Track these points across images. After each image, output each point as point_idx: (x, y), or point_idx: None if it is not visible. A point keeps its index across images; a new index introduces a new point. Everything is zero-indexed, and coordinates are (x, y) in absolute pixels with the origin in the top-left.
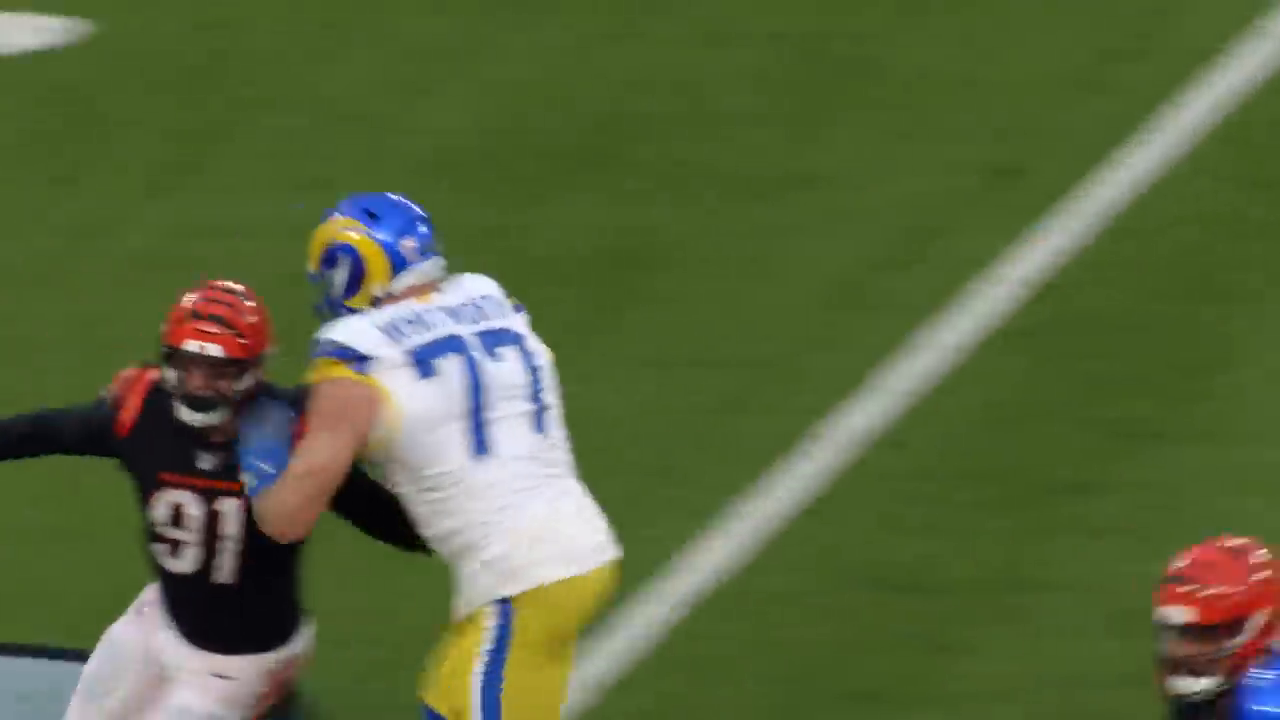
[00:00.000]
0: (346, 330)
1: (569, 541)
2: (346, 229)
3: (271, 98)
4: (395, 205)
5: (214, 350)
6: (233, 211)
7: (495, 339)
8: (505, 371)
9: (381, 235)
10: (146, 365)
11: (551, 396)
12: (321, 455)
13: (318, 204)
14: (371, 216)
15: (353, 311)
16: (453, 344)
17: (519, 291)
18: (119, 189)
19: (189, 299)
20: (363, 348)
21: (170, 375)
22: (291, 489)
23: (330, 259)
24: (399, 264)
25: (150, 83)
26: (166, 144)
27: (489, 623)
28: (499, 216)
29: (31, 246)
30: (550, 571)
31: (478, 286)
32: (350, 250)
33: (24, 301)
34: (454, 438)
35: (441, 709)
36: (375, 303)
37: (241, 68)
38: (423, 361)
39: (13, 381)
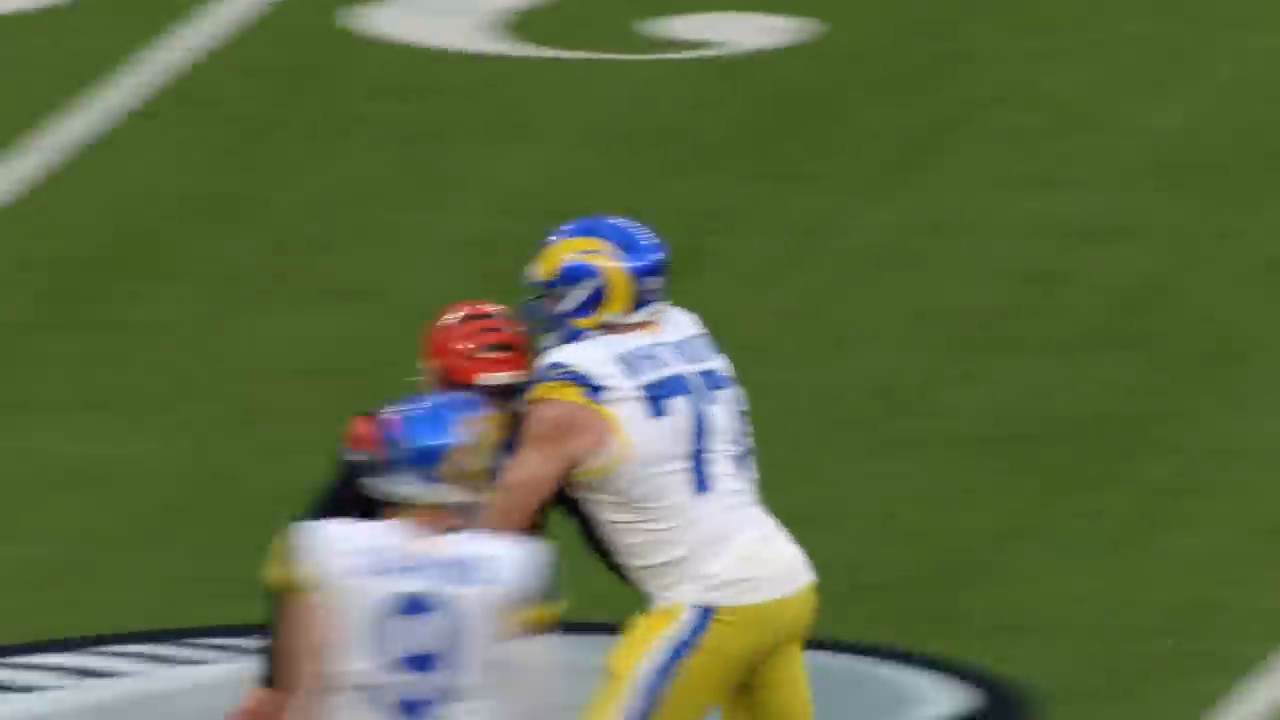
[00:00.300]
0: (583, 356)
1: (777, 564)
2: (598, 253)
3: (995, 97)
4: (647, 240)
5: (508, 378)
6: (957, 209)
7: (711, 381)
8: (720, 416)
9: (632, 268)
10: (369, 414)
11: (749, 440)
12: (527, 472)
13: (1049, 203)
14: (625, 247)
15: (576, 331)
16: (680, 384)
17: (1235, 293)
18: (845, 186)
19: (462, 328)
20: (600, 377)
21: None
22: (494, 502)
23: (572, 275)
24: (640, 300)
25: (876, 81)
26: (892, 141)
27: (685, 617)
28: (1217, 219)
29: (757, 244)
30: (759, 594)
31: (687, 322)
32: (596, 274)
33: (749, 298)
34: (677, 475)
35: (611, 665)
36: (602, 328)
37: (964, 66)
38: (655, 399)
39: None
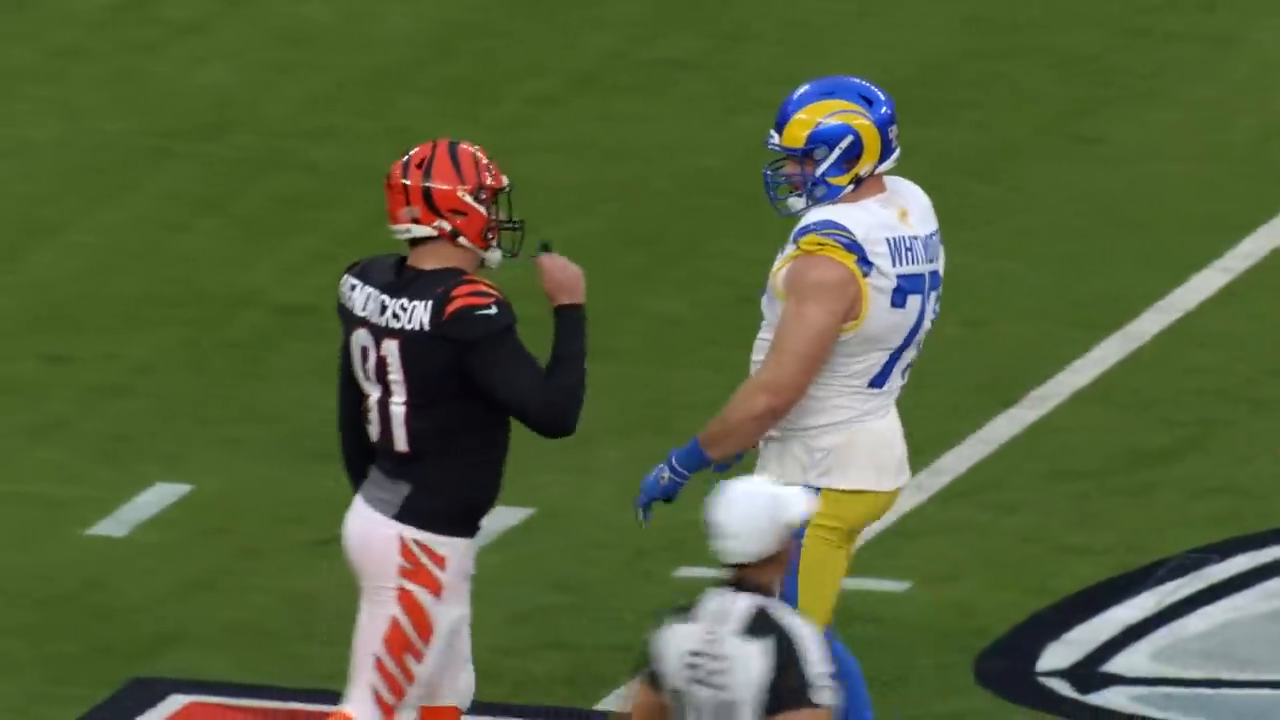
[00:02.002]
0: (859, 224)
1: (887, 461)
2: (847, 111)
3: None
4: (882, 92)
5: None
6: None
7: (935, 282)
8: (929, 320)
9: (878, 118)
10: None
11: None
12: (818, 326)
13: None
14: (866, 101)
15: (834, 189)
16: (920, 283)
17: None
18: None
19: (461, 149)
20: (873, 254)
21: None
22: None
23: (828, 137)
24: (887, 149)
25: None
26: None
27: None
28: None
29: None
30: (863, 480)
31: (928, 207)
32: (852, 131)
33: None
34: (871, 365)
35: None
36: (856, 183)
37: None
38: (900, 291)
39: None
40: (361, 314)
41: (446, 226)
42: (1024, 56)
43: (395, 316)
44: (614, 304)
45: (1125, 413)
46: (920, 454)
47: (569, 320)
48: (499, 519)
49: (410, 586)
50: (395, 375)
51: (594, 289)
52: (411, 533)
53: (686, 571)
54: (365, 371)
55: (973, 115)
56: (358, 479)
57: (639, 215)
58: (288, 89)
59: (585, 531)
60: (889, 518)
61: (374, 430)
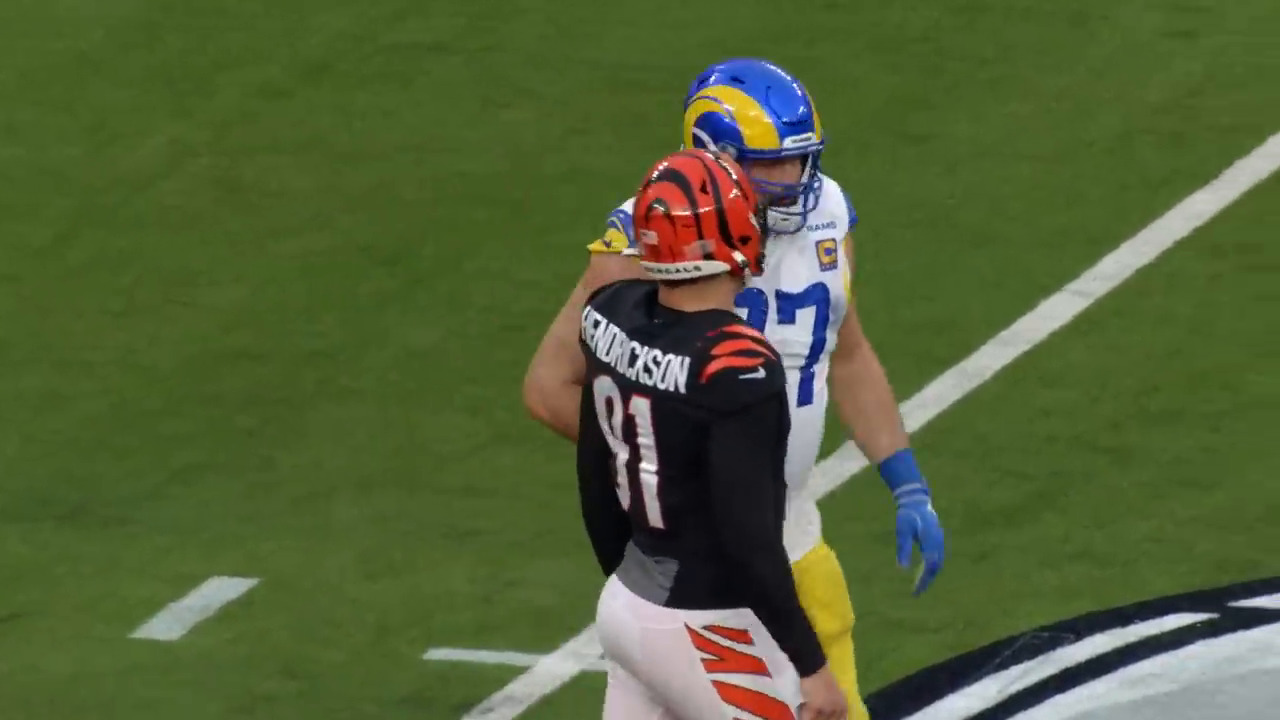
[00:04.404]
0: None
1: None
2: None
3: None
4: None
5: None
6: None
7: None
8: None
9: None
10: None
11: None
12: None
13: None
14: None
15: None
16: None
17: None
18: None
19: (726, 157)
20: None
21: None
22: None
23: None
24: None
25: None
26: None
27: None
28: None
29: None
30: None
31: None
32: None
33: None
34: None
35: (847, 617)
36: None
37: None
38: None
39: None
40: (606, 359)
41: (740, 259)
42: (841, 38)
43: (647, 370)
44: (354, 334)
45: (963, 463)
46: None
47: (810, 645)
48: (214, 591)
49: (727, 678)
50: (646, 439)
51: (331, 315)
52: (697, 618)
53: (438, 653)
54: (611, 426)
55: None
56: (604, 550)
57: (383, 228)
58: None
59: (318, 606)
60: None
61: (624, 497)
